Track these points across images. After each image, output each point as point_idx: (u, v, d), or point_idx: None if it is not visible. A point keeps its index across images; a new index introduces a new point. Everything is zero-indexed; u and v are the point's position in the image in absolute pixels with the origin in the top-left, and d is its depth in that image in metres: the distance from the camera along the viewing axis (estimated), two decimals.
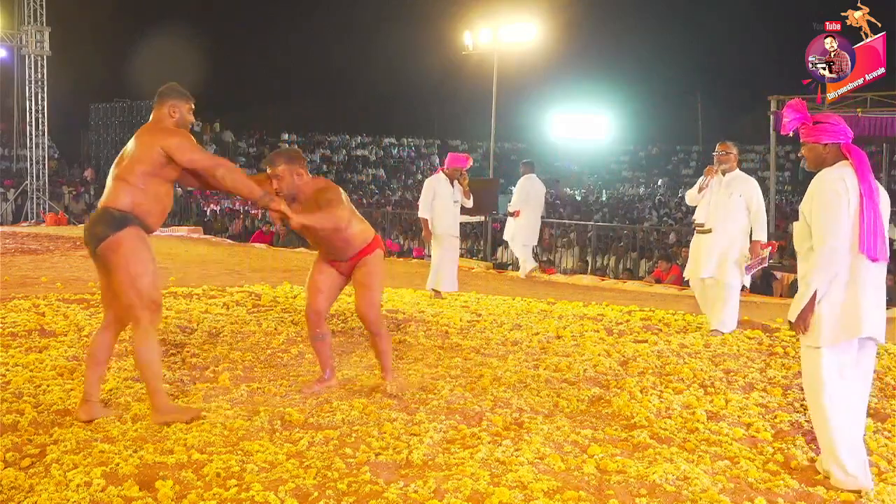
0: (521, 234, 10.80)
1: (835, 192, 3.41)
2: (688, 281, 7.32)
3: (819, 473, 3.58)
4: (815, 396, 3.47)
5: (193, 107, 4.25)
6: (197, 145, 4.11)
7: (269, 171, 4.33)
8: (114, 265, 3.96)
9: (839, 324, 3.40)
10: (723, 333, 6.47)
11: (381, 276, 4.68)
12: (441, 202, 8.25)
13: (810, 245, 3.46)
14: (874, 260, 3.40)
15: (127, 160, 4.03)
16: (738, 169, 6.83)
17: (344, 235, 4.47)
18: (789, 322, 3.48)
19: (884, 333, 3.47)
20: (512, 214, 10.90)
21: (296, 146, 39.26)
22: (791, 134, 3.64)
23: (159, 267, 4.35)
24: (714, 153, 6.81)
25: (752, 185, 6.70)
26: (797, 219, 3.57)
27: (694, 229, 6.83)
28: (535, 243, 11.45)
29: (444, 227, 8.27)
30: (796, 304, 3.43)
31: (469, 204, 8.50)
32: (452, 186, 8.34)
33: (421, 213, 8.35)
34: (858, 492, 3.37)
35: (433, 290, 8.31)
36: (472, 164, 8.63)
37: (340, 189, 4.50)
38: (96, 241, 3.97)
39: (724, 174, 6.75)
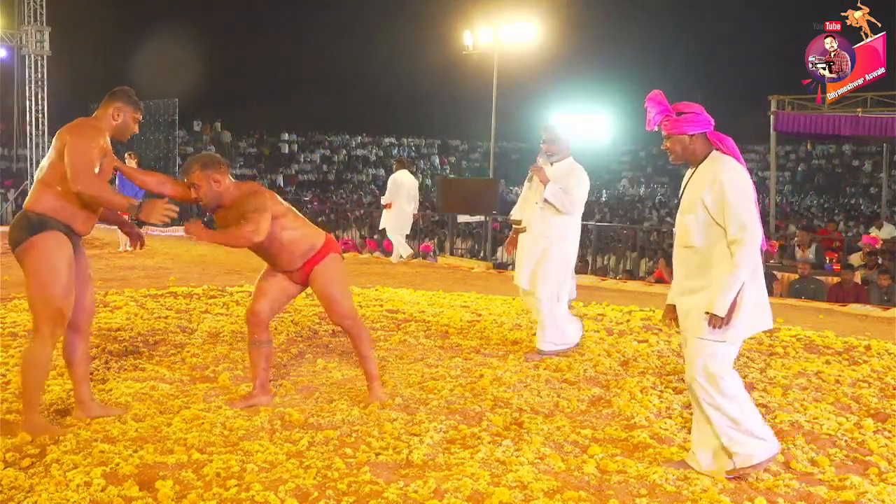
0: (391, 223, 11.84)
1: (746, 181, 3.36)
2: None
3: (820, 474, 3.58)
4: (718, 389, 3.37)
5: (140, 118, 4.06)
6: (90, 151, 3.76)
7: (185, 179, 4.08)
8: (25, 270, 3.78)
9: (752, 317, 3.38)
10: (541, 356, 5.52)
11: (340, 281, 4.37)
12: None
13: (723, 245, 3.32)
14: (763, 248, 3.40)
15: (46, 160, 3.84)
16: (570, 158, 5.64)
17: (278, 247, 4.19)
18: (713, 316, 3.29)
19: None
20: (385, 206, 11.86)
21: (296, 146, 39.32)
22: (657, 128, 3.49)
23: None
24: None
25: (576, 176, 5.57)
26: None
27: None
28: (408, 232, 12.26)
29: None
30: (722, 295, 3.27)
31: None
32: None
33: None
34: (858, 491, 3.37)
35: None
36: None
37: (269, 196, 4.15)
38: (13, 245, 3.81)
39: (552, 164, 5.63)
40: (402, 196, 11.74)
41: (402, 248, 11.92)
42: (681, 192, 3.57)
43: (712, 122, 3.47)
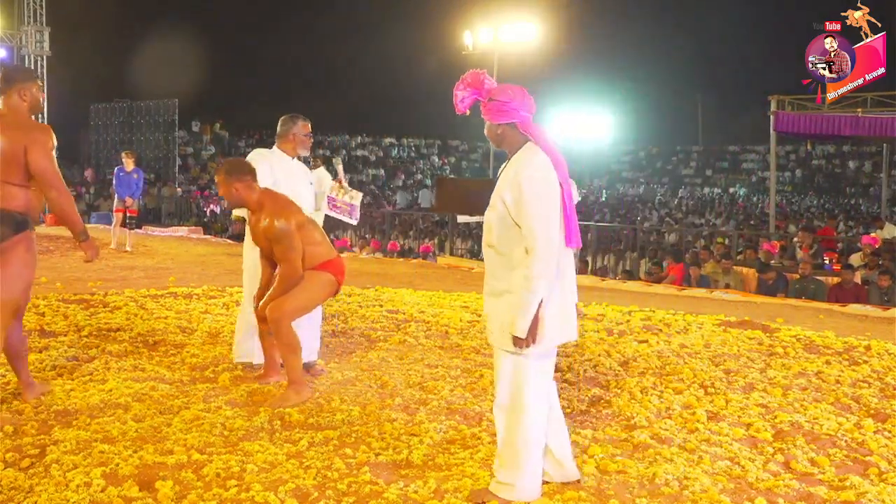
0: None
1: (548, 183, 3.05)
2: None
3: (820, 474, 3.58)
4: (521, 406, 3.13)
5: (41, 84, 4.12)
6: (51, 153, 3.94)
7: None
8: (4, 264, 3.91)
9: (557, 327, 3.10)
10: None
11: (311, 291, 4.48)
12: None
13: (523, 246, 3.02)
14: (578, 246, 3.18)
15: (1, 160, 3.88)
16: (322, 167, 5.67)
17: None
18: (516, 337, 3.02)
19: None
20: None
21: None
22: (462, 111, 3.21)
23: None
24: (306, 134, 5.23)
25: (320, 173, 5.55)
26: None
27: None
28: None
29: None
30: (522, 317, 2.98)
31: None
32: None
33: None
34: (859, 492, 3.37)
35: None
36: None
37: (291, 226, 4.35)
38: None
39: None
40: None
41: None
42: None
43: (525, 112, 3.15)
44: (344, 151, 40.01)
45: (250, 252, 4.92)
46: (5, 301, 3.91)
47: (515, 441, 3.15)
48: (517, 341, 3.03)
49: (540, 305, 3.00)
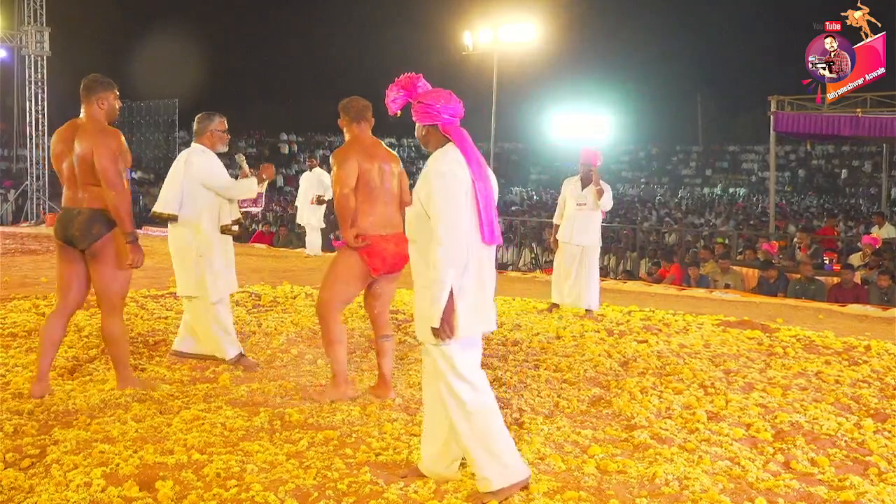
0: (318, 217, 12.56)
1: (454, 176, 3.16)
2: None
3: (820, 474, 3.58)
4: (455, 400, 3.18)
5: (118, 92, 4.46)
6: (115, 155, 4.26)
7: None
8: (101, 260, 4.36)
9: (472, 318, 3.18)
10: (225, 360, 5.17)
11: (338, 270, 4.45)
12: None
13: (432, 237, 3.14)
14: (497, 243, 3.27)
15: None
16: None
17: None
18: (432, 329, 3.10)
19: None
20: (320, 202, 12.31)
21: (295, 146, 39.30)
22: (398, 115, 3.41)
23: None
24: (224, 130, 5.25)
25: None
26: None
27: None
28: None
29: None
30: (435, 308, 3.08)
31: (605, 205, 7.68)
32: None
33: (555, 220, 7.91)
34: (858, 491, 3.37)
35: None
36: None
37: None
38: (92, 239, 4.31)
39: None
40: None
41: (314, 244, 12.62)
42: None
43: (447, 115, 3.30)
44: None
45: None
46: (115, 291, 4.41)
47: (461, 436, 3.20)
48: (434, 332, 3.12)
49: (452, 297, 3.10)
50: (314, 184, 12.43)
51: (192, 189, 5.03)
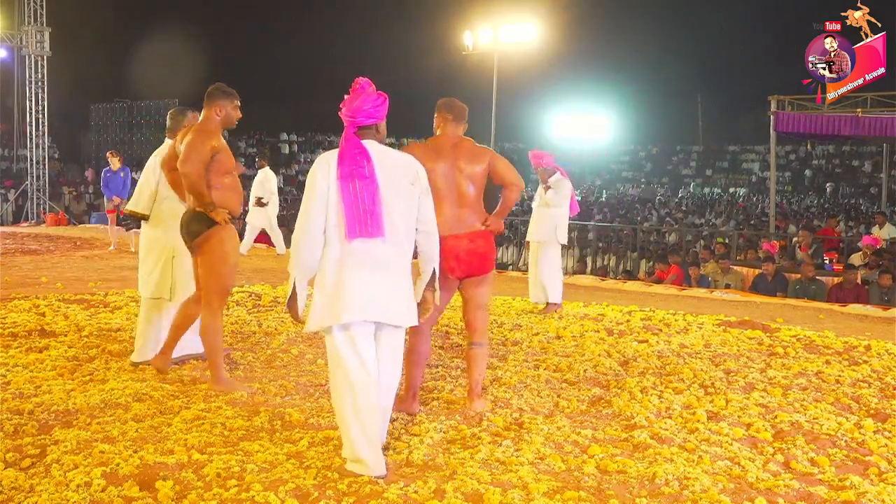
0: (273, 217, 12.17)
1: (310, 178, 3.41)
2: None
3: (820, 474, 3.58)
4: (333, 383, 3.45)
5: (238, 103, 4.81)
6: (196, 156, 4.50)
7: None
8: (205, 254, 4.63)
9: (325, 310, 3.34)
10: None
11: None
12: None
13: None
14: (370, 237, 3.33)
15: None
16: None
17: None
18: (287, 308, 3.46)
19: (390, 314, 3.42)
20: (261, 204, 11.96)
21: (295, 146, 39.29)
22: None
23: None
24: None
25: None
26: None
27: None
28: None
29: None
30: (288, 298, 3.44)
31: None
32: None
33: None
34: (859, 492, 3.36)
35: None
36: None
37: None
38: (194, 235, 4.59)
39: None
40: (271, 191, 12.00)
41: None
42: None
43: (344, 116, 3.55)
44: None
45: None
46: (216, 285, 4.59)
47: (338, 414, 3.44)
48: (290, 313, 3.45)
49: (295, 290, 3.39)
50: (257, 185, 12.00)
51: (166, 188, 5.05)
